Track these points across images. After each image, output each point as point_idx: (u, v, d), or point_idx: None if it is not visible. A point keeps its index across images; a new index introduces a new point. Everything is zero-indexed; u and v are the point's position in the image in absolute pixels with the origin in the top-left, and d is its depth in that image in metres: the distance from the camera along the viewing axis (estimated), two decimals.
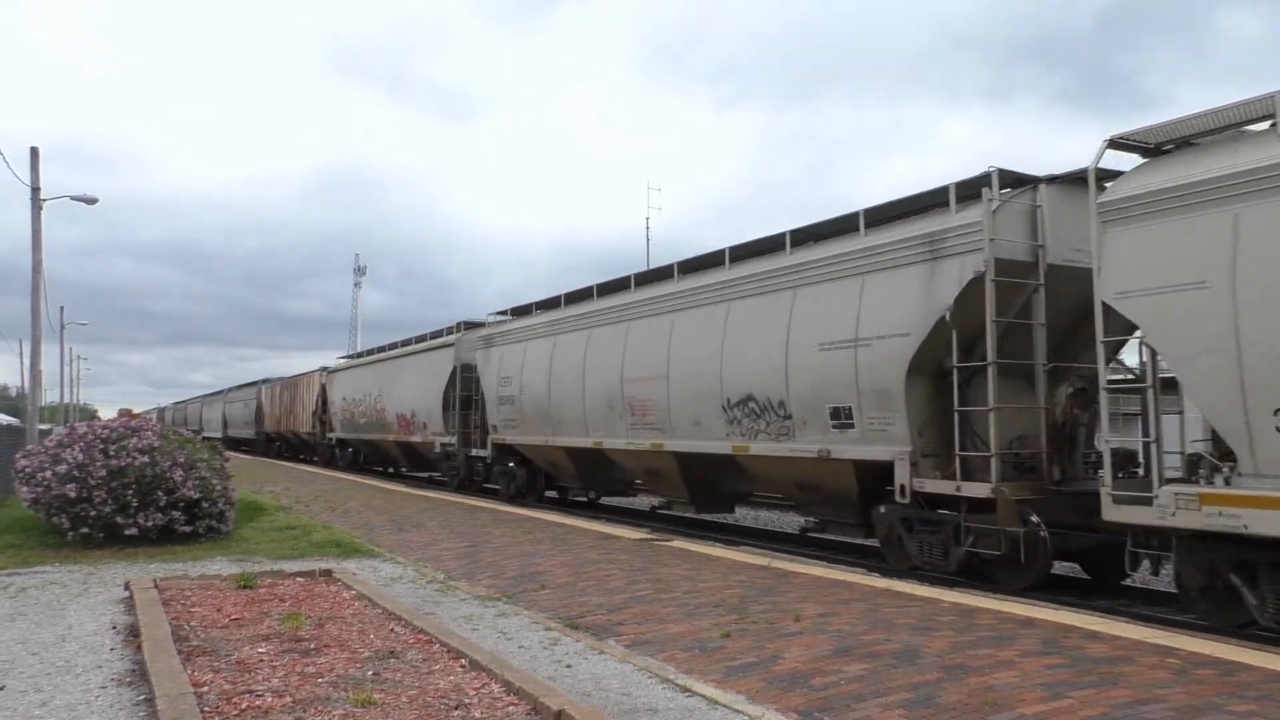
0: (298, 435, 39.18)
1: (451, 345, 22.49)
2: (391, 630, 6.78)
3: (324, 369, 35.39)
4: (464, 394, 21.55)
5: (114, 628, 7.20)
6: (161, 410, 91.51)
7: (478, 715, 4.88)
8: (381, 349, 29.42)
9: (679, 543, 11.81)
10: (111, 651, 6.47)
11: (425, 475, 27.96)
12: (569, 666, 6.04)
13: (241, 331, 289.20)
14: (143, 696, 5.36)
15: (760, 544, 13.09)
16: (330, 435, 33.62)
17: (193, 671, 5.63)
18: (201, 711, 4.84)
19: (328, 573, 9.13)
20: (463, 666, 5.74)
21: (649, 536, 12.51)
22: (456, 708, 4.98)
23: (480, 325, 22.23)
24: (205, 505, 12.25)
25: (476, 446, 21.03)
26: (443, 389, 22.42)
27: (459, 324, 23.05)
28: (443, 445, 22.55)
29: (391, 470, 31.21)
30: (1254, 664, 5.63)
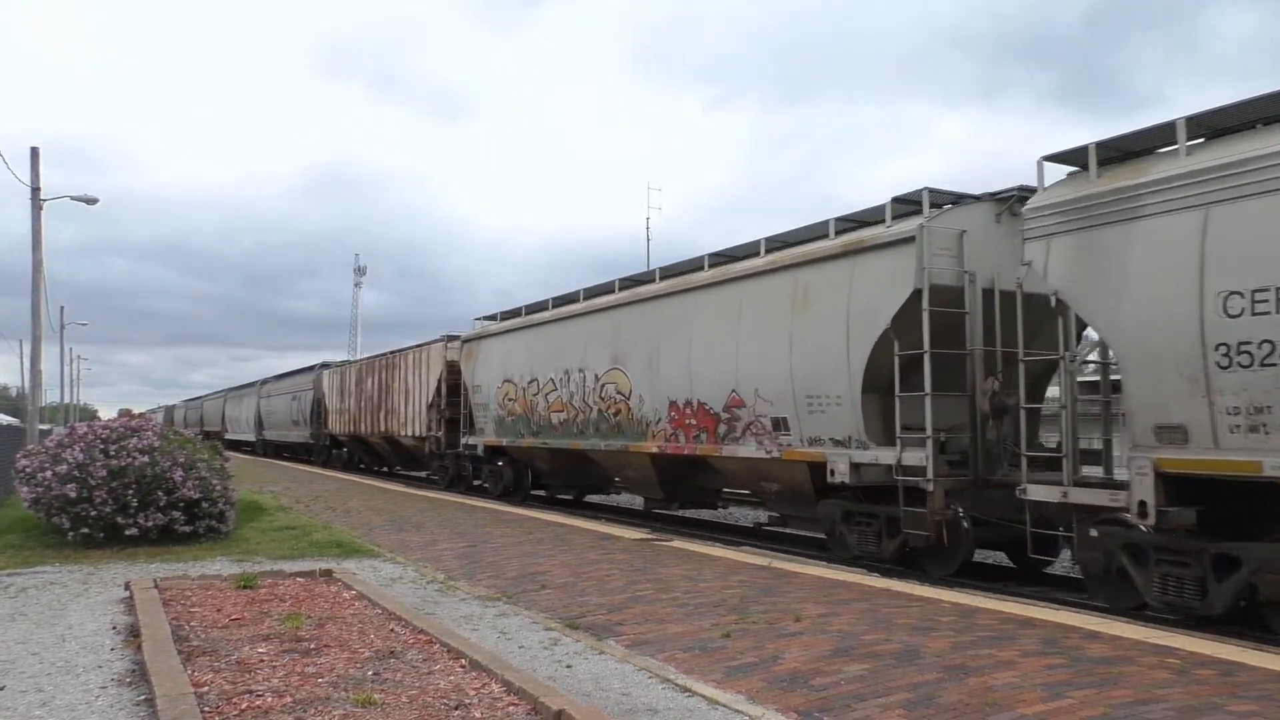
0: (395, 440, 26.31)
1: (909, 241, 10.15)
2: (391, 630, 6.78)
3: (450, 337, 22.44)
4: (941, 349, 10.00)
5: (114, 628, 7.20)
6: (170, 409, 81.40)
7: (478, 715, 4.88)
8: (596, 290, 16.73)
9: (679, 543, 11.81)
10: (112, 651, 6.48)
11: (749, 524, 16.66)
12: (569, 666, 6.04)
13: (239, 332, 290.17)
14: (143, 697, 5.36)
15: (760, 544, 13.09)
16: (471, 441, 20.71)
17: (193, 672, 5.63)
18: (201, 711, 4.84)
19: (328, 573, 9.13)
20: (463, 666, 5.75)
21: (649, 536, 12.51)
22: (456, 708, 4.98)
23: (972, 200, 10.66)
24: (205, 505, 12.25)
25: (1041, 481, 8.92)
26: (869, 348, 10.53)
27: (918, 193, 10.50)
28: (859, 467, 10.70)
29: (618, 503, 20.06)
30: (1254, 664, 5.63)
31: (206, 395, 68.21)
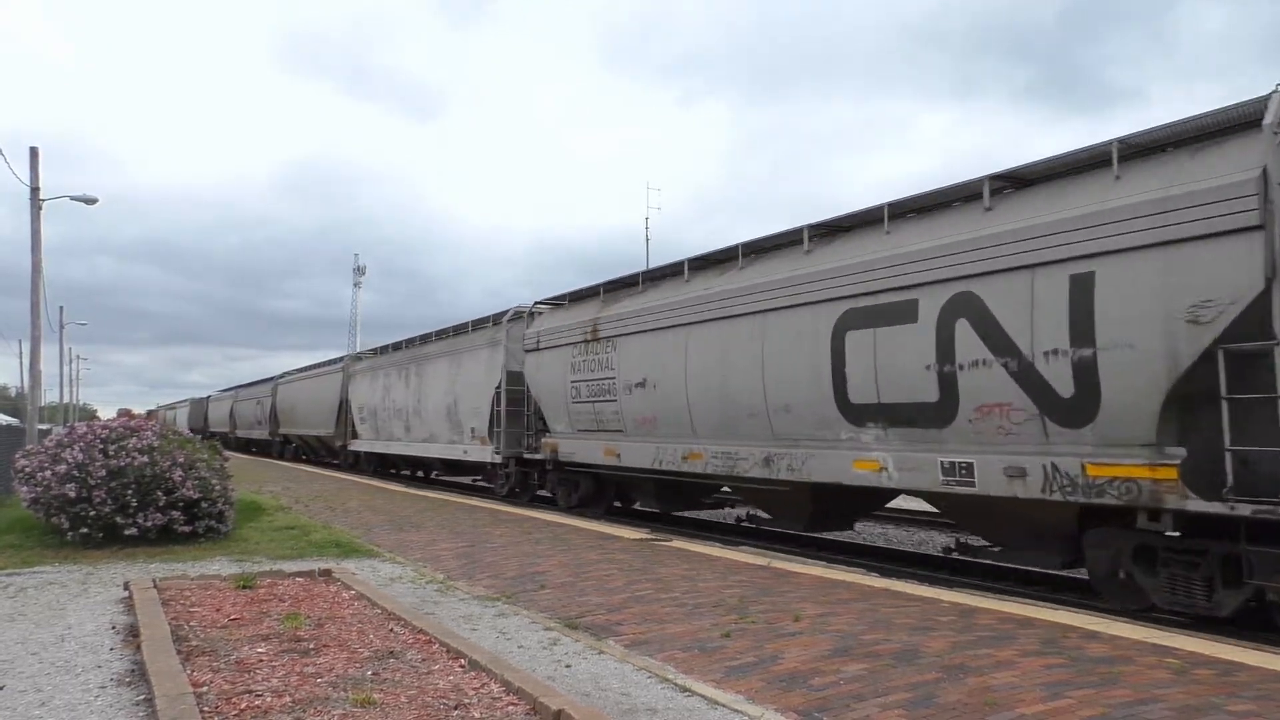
0: None
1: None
2: (391, 630, 6.78)
3: None
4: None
5: (113, 628, 7.20)
6: (201, 403, 61.46)
7: (477, 715, 4.88)
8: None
9: (678, 543, 11.81)
10: (111, 651, 6.48)
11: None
12: (568, 666, 6.04)
13: (230, 331, 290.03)
14: (142, 696, 5.36)
15: (759, 544, 13.09)
16: None
17: (192, 671, 5.63)
18: (201, 711, 4.84)
19: (327, 572, 9.13)
20: (462, 666, 5.75)
21: (648, 536, 12.51)
22: (456, 707, 4.98)
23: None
24: (204, 505, 12.24)
25: None
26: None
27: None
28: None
29: None
30: (1252, 664, 5.64)
31: (284, 375, 41.15)
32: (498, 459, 18.80)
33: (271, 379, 43.50)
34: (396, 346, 26.80)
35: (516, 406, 18.39)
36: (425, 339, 24.56)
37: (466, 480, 25.32)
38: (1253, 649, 6.05)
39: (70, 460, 11.73)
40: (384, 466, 28.39)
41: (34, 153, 24.27)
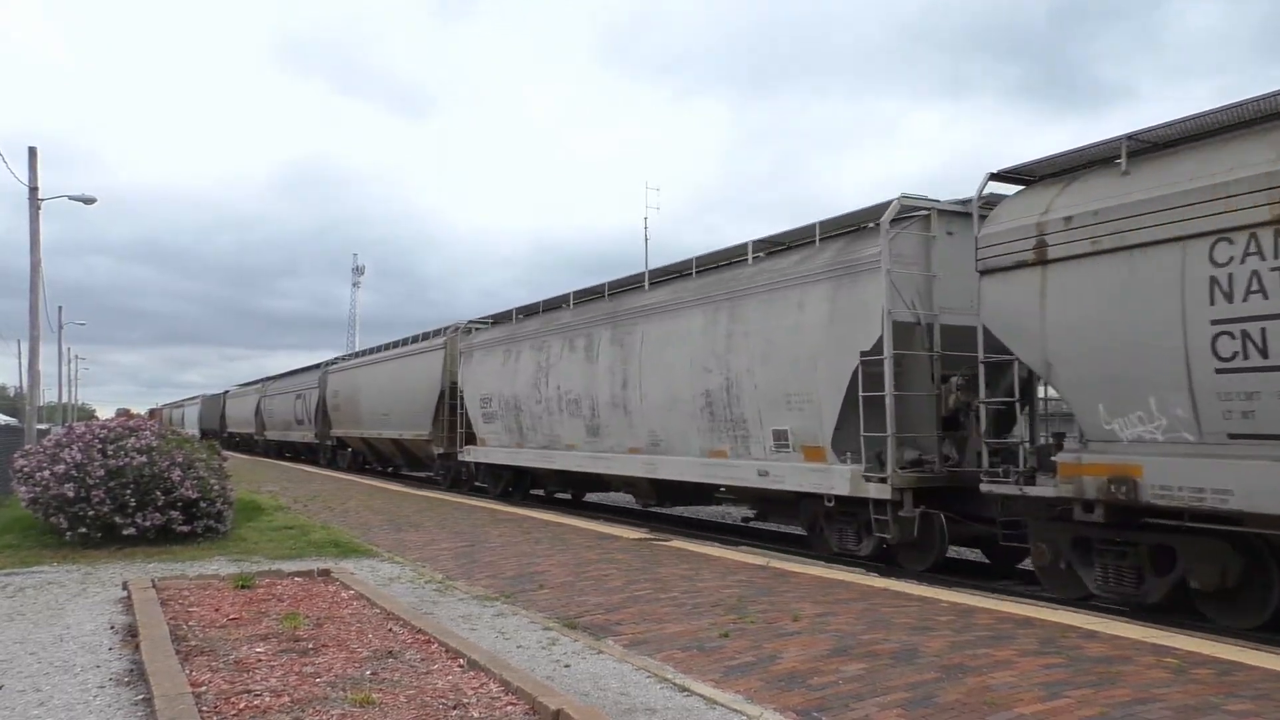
0: None
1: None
2: (390, 630, 6.78)
3: None
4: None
5: (112, 627, 7.20)
6: (216, 399, 53.44)
7: (476, 715, 4.88)
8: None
9: (677, 542, 11.82)
10: (110, 651, 6.47)
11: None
12: (567, 666, 6.04)
13: (226, 331, 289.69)
14: (141, 696, 5.36)
15: (759, 544, 13.09)
16: None
17: (191, 671, 5.63)
18: (200, 711, 4.84)
19: (326, 572, 9.12)
20: (461, 666, 5.75)
21: (647, 536, 12.51)
22: (455, 707, 4.98)
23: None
24: (203, 505, 12.23)
25: None
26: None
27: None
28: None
29: None
30: (1251, 664, 5.64)
31: (337, 361, 32.45)
32: (870, 492, 10.10)
33: (318, 366, 34.05)
34: (551, 305, 18.16)
35: (915, 389, 10.14)
36: (626, 285, 15.56)
37: (712, 514, 16.55)
38: (1252, 649, 6.06)
39: (69, 460, 11.72)
40: (521, 485, 19.65)
41: (33, 153, 24.26)
